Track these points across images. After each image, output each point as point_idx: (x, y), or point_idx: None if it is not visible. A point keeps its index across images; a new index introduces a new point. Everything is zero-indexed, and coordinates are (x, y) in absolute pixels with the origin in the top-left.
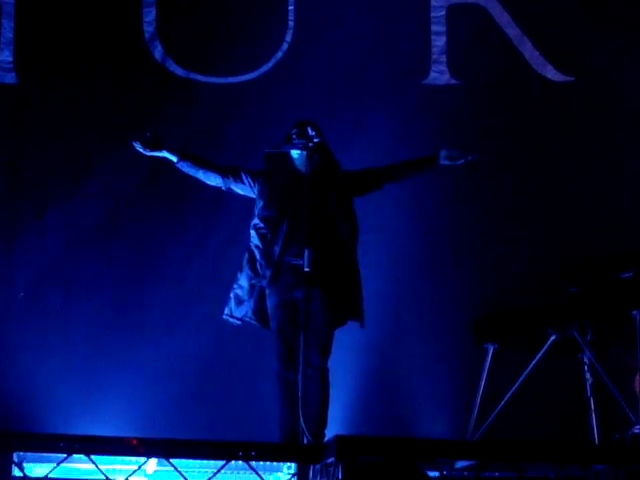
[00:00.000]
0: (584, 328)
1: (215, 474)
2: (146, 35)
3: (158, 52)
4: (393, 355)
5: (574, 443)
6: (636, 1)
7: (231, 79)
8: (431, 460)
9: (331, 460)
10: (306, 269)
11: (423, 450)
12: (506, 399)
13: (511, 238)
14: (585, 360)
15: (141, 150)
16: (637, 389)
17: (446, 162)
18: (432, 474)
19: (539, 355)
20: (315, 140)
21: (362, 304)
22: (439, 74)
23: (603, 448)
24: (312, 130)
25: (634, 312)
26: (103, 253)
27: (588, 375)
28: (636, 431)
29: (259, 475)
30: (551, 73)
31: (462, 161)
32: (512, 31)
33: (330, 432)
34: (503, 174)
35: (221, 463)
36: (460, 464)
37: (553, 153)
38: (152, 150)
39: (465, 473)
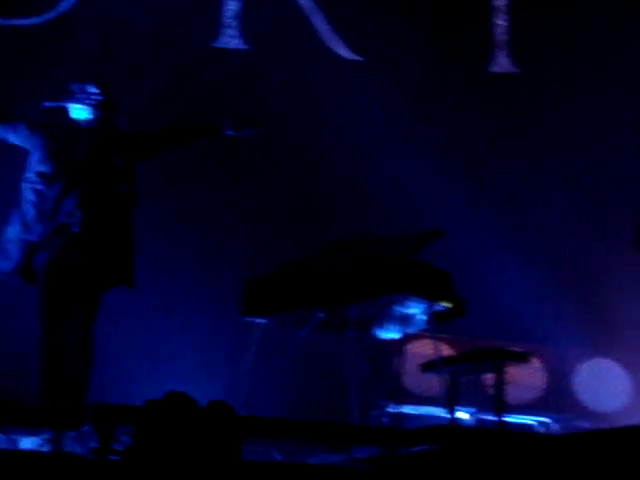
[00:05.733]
0: (351, 307)
1: None
2: None
3: None
4: (165, 324)
5: (333, 424)
6: None
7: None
8: None
9: (87, 428)
10: (75, 229)
11: None
12: (270, 374)
13: (282, 216)
14: (349, 338)
15: None
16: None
17: (231, 132)
18: None
19: (304, 332)
20: (96, 98)
21: (133, 269)
22: (230, 38)
23: (362, 428)
24: (96, 87)
25: (397, 296)
26: None
27: (350, 353)
28: (391, 410)
29: (11, 440)
30: (342, 50)
31: (247, 132)
32: (305, 3)
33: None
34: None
35: None
36: None
37: (335, 131)
38: None
39: None
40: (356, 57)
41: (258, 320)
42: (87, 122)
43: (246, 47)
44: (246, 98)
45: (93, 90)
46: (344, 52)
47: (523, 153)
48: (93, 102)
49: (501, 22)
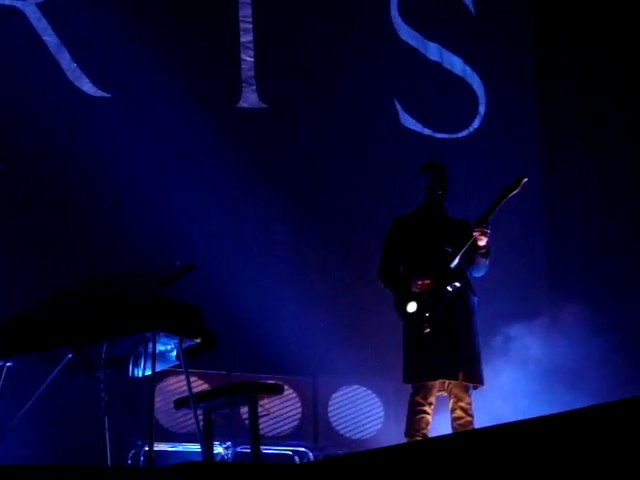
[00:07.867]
0: (100, 346)
1: None
2: None
3: None
4: None
5: (84, 468)
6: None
7: None
8: None
9: None
10: None
11: None
12: (17, 419)
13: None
14: (101, 378)
15: None
16: None
17: None
18: None
19: (53, 373)
20: None
21: None
22: None
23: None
24: None
25: (147, 333)
26: None
27: (103, 394)
28: (147, 449)
29: None
30: (87, 86)
31: None
32: (50, 39)
33: None
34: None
35: None
36: None
37: (84, 169)
38: None
39: None
40: (102, 94)
41: (2, 363)
42: None
43: None
44: None
45: None
46: (89, 89)
47: (275, 187)
48: None
49: (248, 58)
